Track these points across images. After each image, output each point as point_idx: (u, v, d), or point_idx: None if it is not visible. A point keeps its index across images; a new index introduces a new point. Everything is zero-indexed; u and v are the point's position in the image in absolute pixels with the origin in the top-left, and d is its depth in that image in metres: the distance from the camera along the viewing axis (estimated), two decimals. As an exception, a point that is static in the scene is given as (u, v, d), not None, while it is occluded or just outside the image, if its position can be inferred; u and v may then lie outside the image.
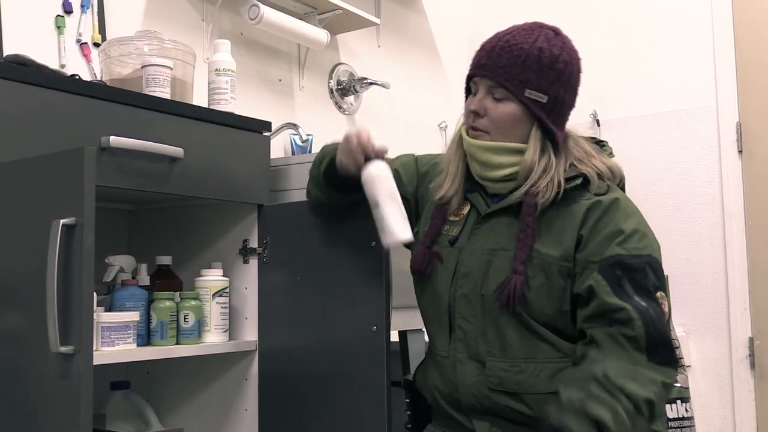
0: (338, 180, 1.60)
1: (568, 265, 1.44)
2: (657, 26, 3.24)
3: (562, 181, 1.46)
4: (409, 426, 1.70)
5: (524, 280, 1.42)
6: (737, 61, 3.08)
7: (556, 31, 1.52)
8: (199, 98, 2.02)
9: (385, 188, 1.51)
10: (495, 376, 1.46)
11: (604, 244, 1.43)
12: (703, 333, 3.06)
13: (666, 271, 3.05)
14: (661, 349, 1.39)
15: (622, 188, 1.56)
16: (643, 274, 1.42)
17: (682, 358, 2.93)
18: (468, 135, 1.53)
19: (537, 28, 1.51)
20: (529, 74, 1.45)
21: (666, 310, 1.43)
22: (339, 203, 1.69)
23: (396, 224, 1.49)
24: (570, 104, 1.52)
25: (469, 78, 1.54)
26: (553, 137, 1.48)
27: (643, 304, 1.39)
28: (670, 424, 2.76)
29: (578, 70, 1.52)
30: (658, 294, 1.42)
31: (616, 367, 1.36)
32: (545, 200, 1.45)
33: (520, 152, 1.49)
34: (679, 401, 2.83)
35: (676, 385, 2.85)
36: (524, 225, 1.45)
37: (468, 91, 1.57)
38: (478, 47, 1.54)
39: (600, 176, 1.49)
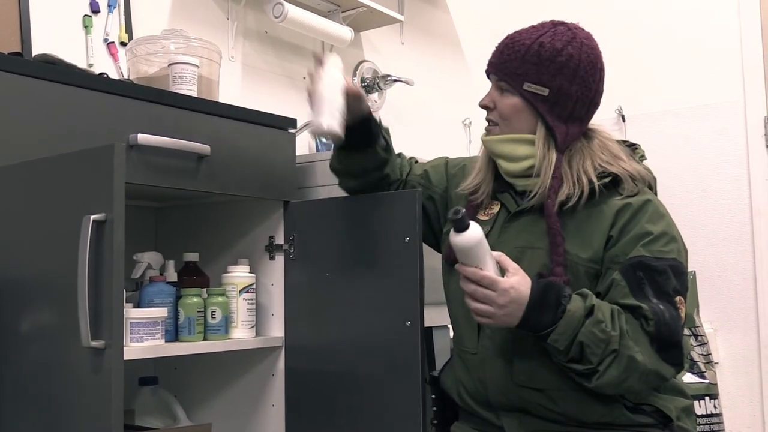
0: (346, 141, 1.58)
1: (596, 267, 1.45)
2: (683, 21, 3.21)
3: (594, 180, 1.47)
4: (435, 422, 1.70)
5: (568, 281, 1.43)
6: (765, 55, 3.04)
7: (571, 27, 1.53)
8: (225, 95, 2.02)
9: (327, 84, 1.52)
10: (523, 373, 1.46)
11: (629, 245, 1.43)
12: (731, 329, 3.03)
13: (693, 268, 3.06)
14: (670, 351, 1.40)
15: (654, 191, 1.55)
16: (665, 277, 1.42)
17: (711, 354, 2.91)
18: (484, 134, 1.59)
19: (550, 25, 1.53)
20: (526, 68, 1.49)
21: (683, 315, 1.43)
22: (357, 168, 1.66)
23: (320, 114, 1.50)
24: (581, 98, 1.50)
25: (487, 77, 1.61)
26: (553, 132, 1.49)
27: (660, 306, 1.40)
28: (699, 420, 2.74)
29: (590, 64, 1.50)
30: (677, 298, 1.42)
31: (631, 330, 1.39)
32: (570, 201, 1.46)
33: (533, 143, 1.52)
34: (707, 398, 2.81)
35: (704, 381, 2.82)
36: (549, 228, 1.46)
37: None
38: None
39: (632, 178, 1.49)
